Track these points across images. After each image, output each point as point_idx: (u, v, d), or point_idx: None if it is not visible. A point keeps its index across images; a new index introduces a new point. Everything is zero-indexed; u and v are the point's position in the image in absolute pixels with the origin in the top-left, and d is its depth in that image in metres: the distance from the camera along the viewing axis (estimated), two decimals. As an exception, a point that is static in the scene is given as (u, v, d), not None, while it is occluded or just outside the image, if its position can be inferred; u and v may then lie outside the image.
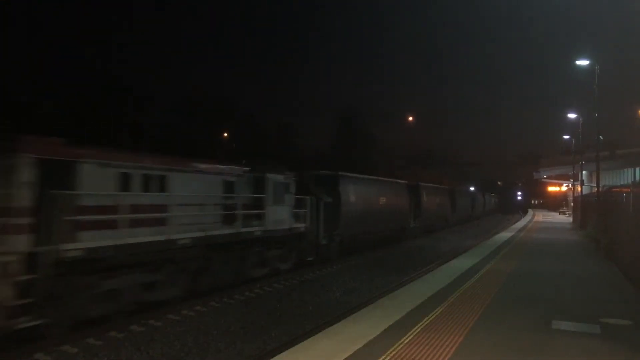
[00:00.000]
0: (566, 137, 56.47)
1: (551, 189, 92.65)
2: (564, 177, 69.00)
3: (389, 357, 7.37)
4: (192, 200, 13.79)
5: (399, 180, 34.16)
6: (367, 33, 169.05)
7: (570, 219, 52.39)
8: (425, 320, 9.53)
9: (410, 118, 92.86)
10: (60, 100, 45.71)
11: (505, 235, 32.46)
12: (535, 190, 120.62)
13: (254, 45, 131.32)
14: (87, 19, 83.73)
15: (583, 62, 29.07)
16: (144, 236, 11.91)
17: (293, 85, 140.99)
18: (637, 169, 45.25)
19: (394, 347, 7.85)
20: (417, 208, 35.88)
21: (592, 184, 39.58)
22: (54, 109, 43.32)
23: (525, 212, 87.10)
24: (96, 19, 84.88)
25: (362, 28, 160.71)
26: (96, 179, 11.13)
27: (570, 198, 62.46)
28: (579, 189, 47.01)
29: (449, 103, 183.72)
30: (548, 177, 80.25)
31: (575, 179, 50.48)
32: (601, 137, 32.29)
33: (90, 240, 10.64)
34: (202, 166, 14.95)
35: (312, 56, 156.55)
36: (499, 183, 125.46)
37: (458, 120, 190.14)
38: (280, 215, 17.28)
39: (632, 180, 33.60)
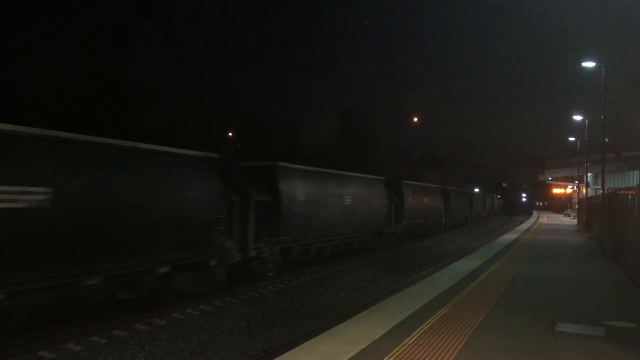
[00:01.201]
0: (572, 139, 56.42)
1: (556, 190, 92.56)
2: (569, 179, 68.95)
3: (392, 358, 7.36)
4: None
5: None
6: (373, 34, 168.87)
7: (575, 221, 52.20)
8: (429, 321, 9.52)
9: (415, 119, 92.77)
10: (62, 98, 45.86)
11: (510, 236, 32.37)
12: (540, 192, 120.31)
13: (259, 45, 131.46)
14: (90, 17, 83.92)
15: (589, 64, 29.01)
16: None
17: (298, 84, 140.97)
18: (643, 171, 45.12)
19: (398, 347, 7.84)
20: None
21: (597, 186, 39.50)
22: (56, 107, 43.48)
23: (530, 214, 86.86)
24: (100, 16, 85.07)
25: (368, 28, 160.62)
26: None
27: (575, 200, 62.24)
28: (584, 191, 46.89)
29: (455, 104, 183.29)
30: (553, 179, 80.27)
31: (581, 181, 50.37)
32: (607, 139, 32.19)
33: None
34: None
35: (317, 55, 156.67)
36: (504, 184, 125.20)
37: (463, 122, 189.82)
38: None
39: (638, 182, 33.47)
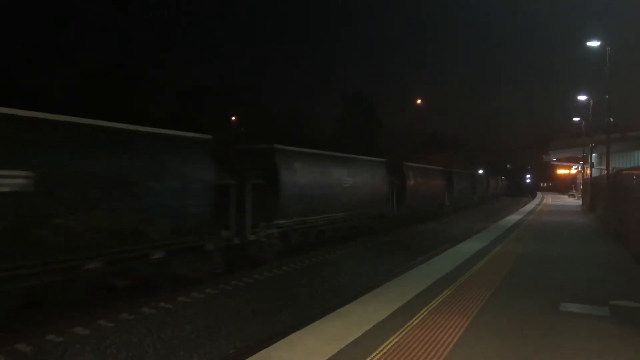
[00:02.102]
0: (576, 119, 56.12)
1: (560, 171, 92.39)
2: (573, 160, 68.74)
3: (397, 339, 7.42)
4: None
5: None
6: (379, 15, 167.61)
7: (580, 202, 52.15)
8: (433, 302, 9.57)
9: (419, 101, 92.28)
10: (66, 89, 45.81)
11: (514, 218, 32.39)
12: (545, 173, 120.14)
13: (262, 29, 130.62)
14: (95, 5, 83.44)
15: (594, 43, 28.76)
16: None
17: (302, 68, 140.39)
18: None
19: (403, 328, 7.90)
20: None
21: (602, 167, 39.38)
22: (60, 98, 43.44)
23: (535, 195, 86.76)
24: (104, 4, 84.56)
25: (373, 10, 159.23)
26: None
27: (580, 181, 62.05)
28: (589, 171, 46.74)
29: (458, 86, 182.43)
30: (557, 160, 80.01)
31: (585, 161, 50.19)
32: (612, 119, 32.01)
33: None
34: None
35: (321, 40, 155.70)
36: (508, 166, 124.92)
37: (467, 104, 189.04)
38: None
39: (643, 162, 33.38)
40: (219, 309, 11.89)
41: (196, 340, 9.94)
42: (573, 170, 76.73)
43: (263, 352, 7.01)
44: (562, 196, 77.32)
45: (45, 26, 69.96)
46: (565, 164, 77.73)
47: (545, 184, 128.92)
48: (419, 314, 8.72)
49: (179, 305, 12.09)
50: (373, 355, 6.83)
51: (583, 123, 51.25)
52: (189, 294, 12.92)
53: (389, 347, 7.13)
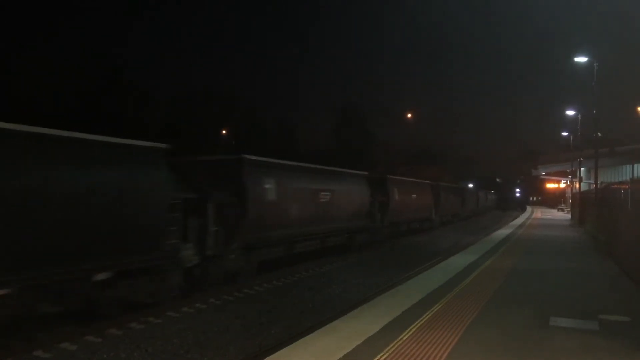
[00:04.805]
0: (565, 133, 56.66)
1: (550, 185, 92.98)
2: (562, 174, 69.27)
3: (388, 354, 7.39)
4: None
5: None
6: (368, 29, 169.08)
7: (569, 216, 52.45)
8: (424, 316, 9.55)
9: (409, 115, 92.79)
10: (59, 96, 45.63)
11: (504, 232, 32.48)
12: (534, 187, 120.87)
13: (254, 41, 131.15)
14: (86, 13, 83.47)
15: (581, 59, 29.12)
16: None
17: (293, 81, 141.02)
18: (636, 165, 45.40)
19: (393, 343, 7.86)
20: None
21: (591, 181, 39.70)
22: (53, 105, 43.29)
23: (524, 209, 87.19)
24: (96, 12, 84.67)
25: (363, 24, 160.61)
26: None
27: (569, 195, 62.48)
28: (578, 185, 47.10)
29: (448, 100, 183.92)
30: (547, 174, 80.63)
31: (574, 175, 50.58)
32: (600, 134, 32.36)
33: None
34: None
35: (312, 52, 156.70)
36: (498, 180, 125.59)
37: (457, 118, 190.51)
38: None
39: (631, 176, 33.69)
40: (209, 323, 11.79)
41: (185, 355, 9.84)
42: (562, 185, 77.27)
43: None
44: (551, 210, 77.78)
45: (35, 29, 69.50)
46: (554, 178, 78.33)
47: (534, 198, 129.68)
48: (409, 329, 8.70)
49: (168, 320, 11.98)
50: (364, 370, 6.78)
51: (571, 138, 51.73)
52: (178, 308, 12.81)
53: (379, 362, 7.11)
